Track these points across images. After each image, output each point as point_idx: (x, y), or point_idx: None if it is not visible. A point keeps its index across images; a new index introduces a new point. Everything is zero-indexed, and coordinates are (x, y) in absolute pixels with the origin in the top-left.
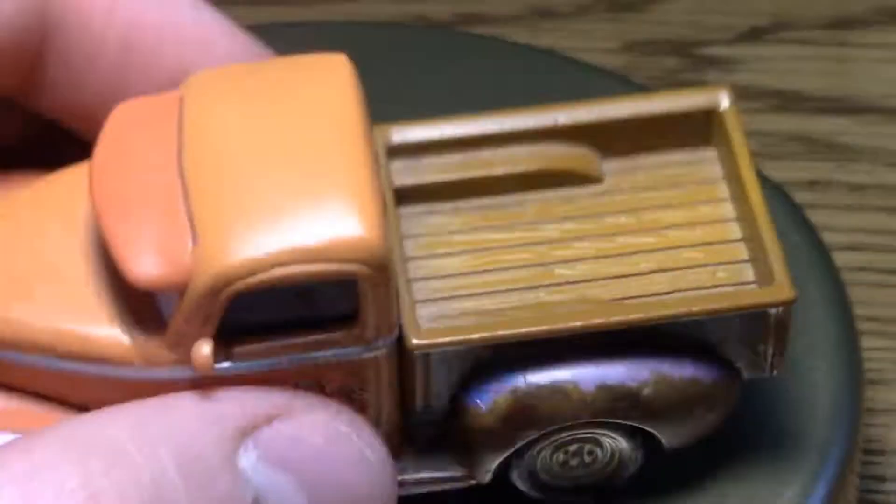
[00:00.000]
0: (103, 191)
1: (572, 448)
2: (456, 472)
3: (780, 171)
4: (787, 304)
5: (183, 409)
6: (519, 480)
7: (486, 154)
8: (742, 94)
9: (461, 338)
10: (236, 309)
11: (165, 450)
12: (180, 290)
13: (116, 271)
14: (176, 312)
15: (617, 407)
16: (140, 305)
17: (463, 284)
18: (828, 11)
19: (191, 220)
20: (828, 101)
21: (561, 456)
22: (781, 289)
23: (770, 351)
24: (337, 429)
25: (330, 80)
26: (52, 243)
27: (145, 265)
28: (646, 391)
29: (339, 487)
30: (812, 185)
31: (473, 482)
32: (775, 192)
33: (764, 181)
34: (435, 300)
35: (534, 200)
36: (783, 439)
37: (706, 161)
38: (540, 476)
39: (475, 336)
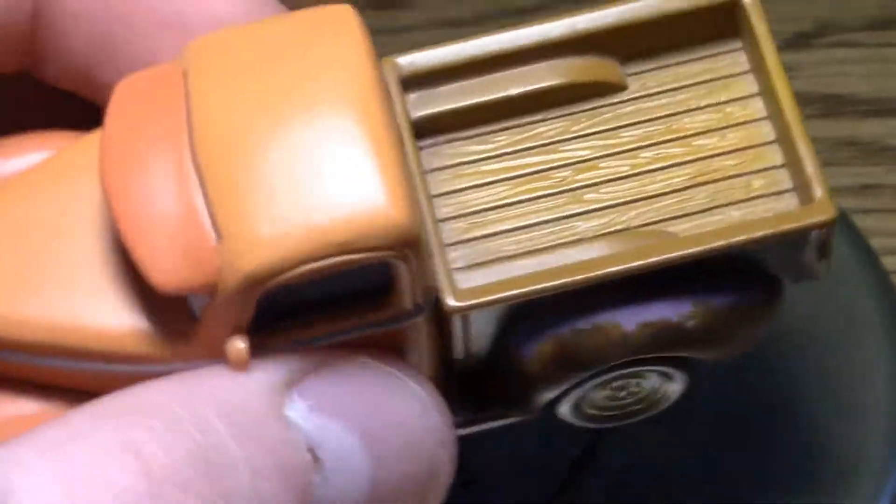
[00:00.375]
0: (116, 185)
1: (617, 384)
2: (503, 410)
3: (831, 178)
4: (829, 225)
5: (223, 374)
6: (565, 414)
7: (503, 74)
8: None
9: (497, 296)
10: (268, 303)
11: (208, 405)
12: (209, 291)
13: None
14: (206, 312)
15: (660, 342)
16: (167, 301)
17: (492, 220)
18: (871, 12)
19: (211, 211)
20: (876, 104)
21: (607, 392)
22: (822, 208)
23: (814, 260)
24: (383, 371)
25: (336, 35)
26: (67, 230)
27: (169, 269)
28: (689, 323)
29: (393, 427)
30: (864, 189)
31: (522, 418)
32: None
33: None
34: (466, 241)
35: (557, 118)
36: (841, 458)
37: (731, 54)
38: (587, 410)
39: (512, 293)
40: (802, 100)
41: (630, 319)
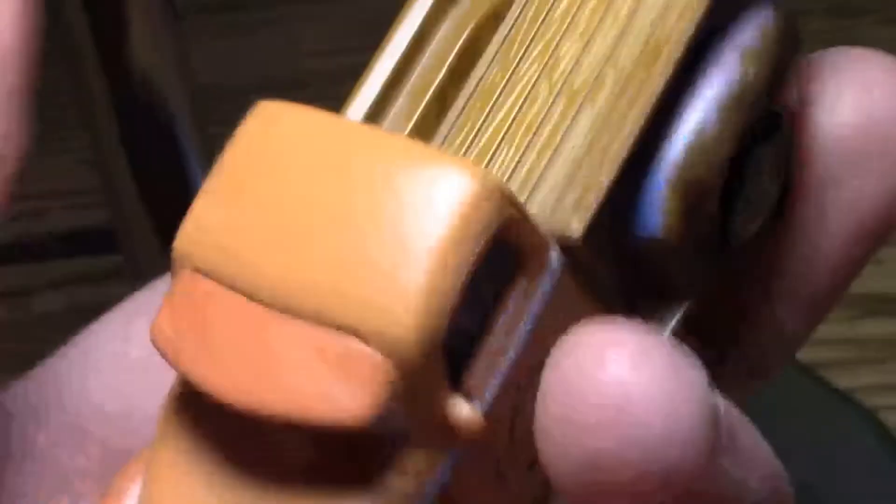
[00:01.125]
0: (229, 388)
1: (746, 183)
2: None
3: (876, 376)
4: None
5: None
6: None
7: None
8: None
9: (601, 186)
10: (448, 347)
11: None
12: (398, 388)
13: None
14: (410, 411)
15: (742, 107)
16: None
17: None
18: None
19: (334, 328)
20: None
21: (744, 193)
22: None
23: None
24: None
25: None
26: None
27: (351, 397)
28: (750, 74)
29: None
30: None
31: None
32: (866, 417)
33: (857, 406)
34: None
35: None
36: None
37: None
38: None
39: (606, 178)
40: (850, 301)
41: (708, 117)
